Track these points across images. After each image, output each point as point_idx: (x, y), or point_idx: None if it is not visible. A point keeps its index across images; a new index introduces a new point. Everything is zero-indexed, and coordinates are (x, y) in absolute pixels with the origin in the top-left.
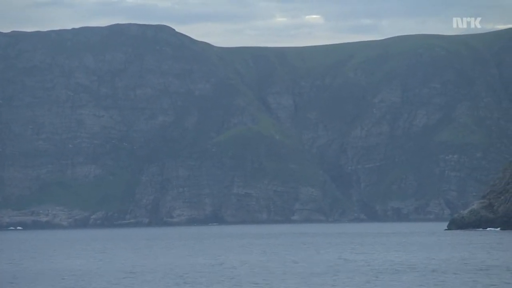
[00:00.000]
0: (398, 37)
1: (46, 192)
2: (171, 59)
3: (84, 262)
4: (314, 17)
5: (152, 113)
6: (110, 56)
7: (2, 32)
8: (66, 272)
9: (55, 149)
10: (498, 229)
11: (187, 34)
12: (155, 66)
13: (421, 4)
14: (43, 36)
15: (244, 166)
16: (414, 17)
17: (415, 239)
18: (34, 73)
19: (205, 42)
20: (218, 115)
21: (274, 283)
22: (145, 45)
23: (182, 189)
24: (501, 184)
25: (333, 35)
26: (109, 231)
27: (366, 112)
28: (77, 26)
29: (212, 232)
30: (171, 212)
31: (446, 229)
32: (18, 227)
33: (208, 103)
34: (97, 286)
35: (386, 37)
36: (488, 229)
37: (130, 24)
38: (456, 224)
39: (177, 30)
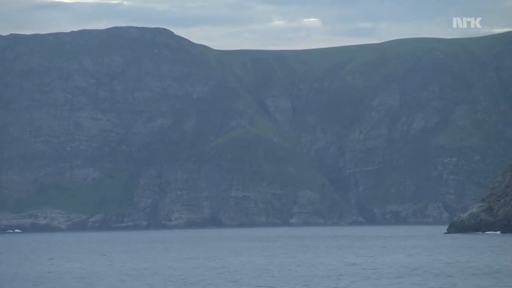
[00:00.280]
0: (396, 40)
1: (44, 195)
2: (169, 62)
3: (85, 265)
4: (312, 21)
5: (151, 116)
6: (108, 59)
7: (0, 35)
8: (67, 275)
9: (53, 152)
10: (498, 232)
11: (185, 37)
12: (153, 69)
13: (419, 7)
14: (41, 39)
15: (243, 169)
16: (412, 20)
17: (415, 242)
18: (32, 76)
19: (204, 45)
20: (217, 118)
21: (276, 286)
22: (143, 48)
23: (181, 192)
24: (501, 187)
25: (330, 39)
26: (108, 234)
27: (365, 115)
28: (75, 29)
29: (211, 235)
30: (170, 215)
31: (445, 233)
32: (16, 230)
33: (206, 106)
34: None
35: (384, 41)
36: (487, 232)
37: (128, 27)
38: (456, 228)
39: (175, 33)
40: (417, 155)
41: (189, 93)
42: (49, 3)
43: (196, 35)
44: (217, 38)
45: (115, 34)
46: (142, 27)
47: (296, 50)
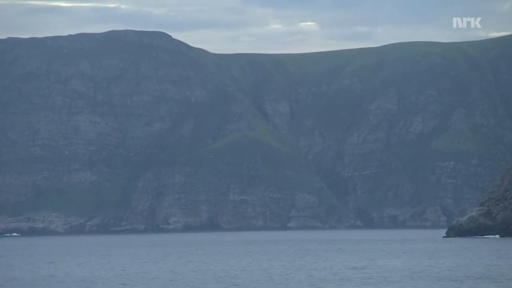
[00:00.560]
0: (394, 44)
1: (42, 199)
2: (167, 65)
3: (85, 268)
4: (309, 24)
5: (149, 120)
6: (106, 63)
7: None
8: (67, 278)
9: (51, 155)
10: (497, 236)
11: (182, 41)
12: (151, 72)
13: (416, 11)
14: (39, 42)
15: (241, 173)
16: (409, 24)
17: (415, 246)
18: (30, 79)
19: (202, 49)
20: (215, 121)
21: None
22: (141, 52)
23: (178, 195)
24: (500, 191)
25: (328, 42)
26: (106, 238)
27: (362, 119)
28: (72, 32)
29: (210, 239)
30: (167, 218)
31: (444, 236)
32: (14, 234)
33: (204, 109)
34: None
35: (381, 45)
36: (486, 236)
37: (126, 31)
38: (455, 231)
39: (173, 37)
40: (415, 159)
41: (187, 97)
42: (46, 7)
43: (193, 38)
44: (214, 42)
45: (113, 38)
46: (140, 31)
47: (294, 54)
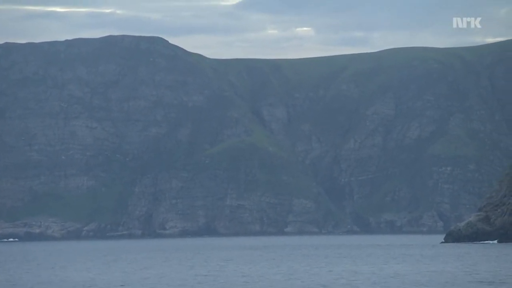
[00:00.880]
0: (391, 49)
1: (39, 204)
2: (164, 70)
3: (87, 273)
4: (305, 30)
5: (146, 125)
6: (103, 68)
7: None
8: (68, 283)
9: (47, 160)
10: (495, 241)
11: (179, 46)
12: (148, 77)
13: (412, 17)
14: (35, 47)
15: (238, 178)
16: (405, 29)
17: (415, 251)
18: (27, 84)
19: (199, 54)
20: (212, 127)
21: None
22: (138, 57)
23: (175, 200)
24: (498, 196)
25: (324, 48)
26: (104, 243)
27: (359, 124)
28: (68, 38)
29: (209, 244)
30: (164, 224)
31: (442, 242)
32: (10, 239)
33: (201, 115)
34: None
35: (377, 50)
36: (485, 242)
37: (123, 36)
38: (453, 237)
39: (169, 41)
40: (412, 164)
41: (184, 102)
42: (42, 12)
43: (189, 43)
44: (211, 47)
45: (110, 43)
46: (137, 36)
47: (291, 59)
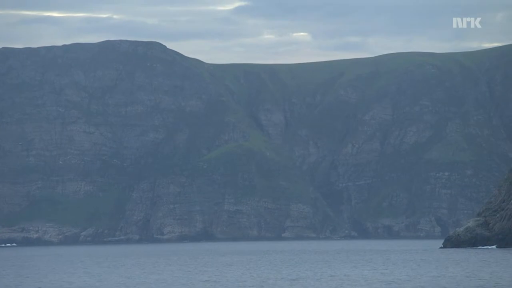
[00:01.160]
0: (388, 54)
1: (36, 209)
2: (162, 75)
3: (90, 278)
4: (302, 35)
5: (143, 130)
6: (100, 73)
7: None
8: None
9: (45, 165)
10: (494, 247)
11: (176, 50)
12: (146, 82)
13: (408, 22)
14: (33, 52)
15: (235, 183)
16: (401, 35)
17: (415, 256)
18: (24, 89)
19: (196, 59)
20: (209, 131)
21: None
22: (136, 62)
23: (173, 205)
24: (497, 201)
25: (320, 53)
26: (101, 248)
27: (357, 129)
28: (64, 42)
29: (210, 249)
30: (162, 228)
31: (441, 247)
32: (7, 244)
33: (199, 120)
34: None
35: (373, 55)
36: (483, 247)
37: (121, 41)
38: (452, 242)
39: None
40: (409, 169)
41: (182, 107)
42: (39, 17)
43: (186, 48)
44: (207, 52)
45: (107, 48)
46: (134, 41)
47: (288, 64)
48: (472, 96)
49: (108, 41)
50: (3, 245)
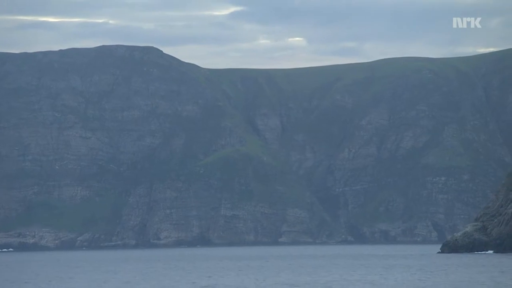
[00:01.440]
0: (384, 59)
1: (33, 214)
2: (158, 80)
3: (92, 283)
4: (297, 40)
5: (140, 135)
6: (97, 78)
7: None
8: None
9: (41, 170)
10: (491, 252)
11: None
12: (142, 87)
13: (403, 27)
14: (29, 57)
15: (232, 188)
16: (397, 40)
17: (414, 262)
18: (21, 94)
19: (193, 64)
20: (206, 136)
21: None
22: (132, 67)
23: (170, 210)
24: (494, 206)
25: (316, 58)
26: (98, 253)
27: (354, 134)
28: (62, 47)
29: (209, 254)
30: (158, 233)
31: (439, 252)
32: (4, 249)
33: (195, 124)
34: None
35: (368, 60)
36: (481, 252)
37: (117, 46)
38: (450, 247)
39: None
40: (406, 174)
41: (178, 112)
42: (35, 22)
43: (182, 53)
44: (203, 57)
45: (104, 53)
46: (131, 46)
47: (284, 69)
48: (469, 101)
49: (104, 46)
50: (0, 250)
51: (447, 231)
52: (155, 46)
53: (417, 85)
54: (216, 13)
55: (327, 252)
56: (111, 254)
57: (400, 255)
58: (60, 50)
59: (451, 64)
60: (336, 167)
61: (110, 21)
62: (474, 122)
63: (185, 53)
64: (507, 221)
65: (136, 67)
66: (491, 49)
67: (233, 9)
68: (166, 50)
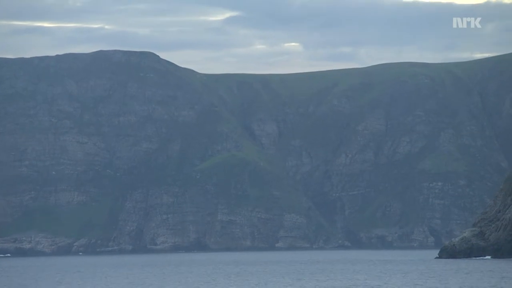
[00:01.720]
0: (381, 65)
1: (29, 219)
2: (155, 85)
3: None
4: (293, 45)
5: (136, 140)
6: (93, 83)
7: None
8: None
9: (38, 175)
10: (488, 257)
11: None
12: (139, 92)
13: (399, 33)
14: (25, 62)
15: (228, 193)
16: (393, 45)
17: (412, 267)
18: (17, 99)
19: (189, 69)
20: (202, 142)
21: None
22: (128, 72)
23: (166, 216)
24: (492, 211)
25: (312, 63)
26: (95, 258)
27: (350, 139)
28: (58, 53)
29: (207, 259)
30: (155, 239)
31: (436, 257)
32: (0, 254)
33: (192, 130)
34: None
35: (364, 65)
36: (479, 257)
37: (114, 51)
38: (447, 252)
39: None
40: (402, 180)
41: (175, 117)
42: (30, 28)
43: (178, 59)
44: (198, 62)
45: (100, 58)
46: (127, 51)
47: (281, 74)
48: (465, 106)
49: (101, 51)
50: None
51: (444, 236)
52: (151, 51)
53: (413, 91)
54: (212, 18)
55: (325, 257)
56: (108, 260)
57: (398, 261)
58: (56, 55)
59: (447, 69)
60: (333, 172)
61: (106, 27)
62: (471, 128)
63: (181, 59)
64: (505, 227)
65: (133, 72)
66: (487, 55)
67: (228, 14)
68: (162, 55)
